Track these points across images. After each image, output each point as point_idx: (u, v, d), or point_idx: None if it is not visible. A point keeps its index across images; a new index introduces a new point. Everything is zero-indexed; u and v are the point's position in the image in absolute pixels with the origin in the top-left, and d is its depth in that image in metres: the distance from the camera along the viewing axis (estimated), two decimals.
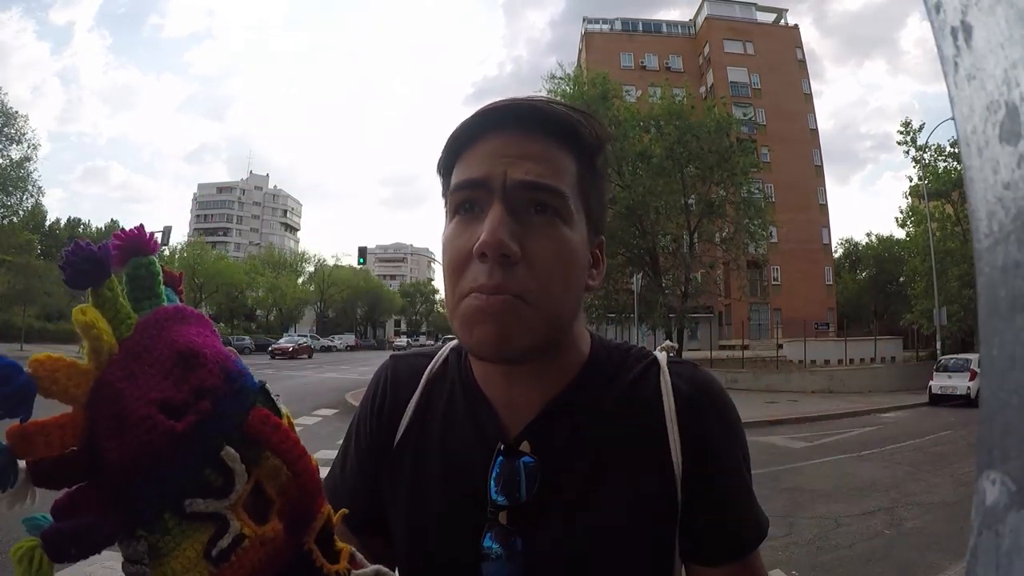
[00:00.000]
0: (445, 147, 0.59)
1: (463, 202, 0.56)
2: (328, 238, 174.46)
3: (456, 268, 0.55)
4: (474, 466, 0.59)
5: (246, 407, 0.41)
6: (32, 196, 25.59)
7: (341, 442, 0.73)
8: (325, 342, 44.69)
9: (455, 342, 0.69)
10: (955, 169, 22.31)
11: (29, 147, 24.23)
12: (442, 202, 0.63)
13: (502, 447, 0.58)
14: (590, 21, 41.99)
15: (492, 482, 0.57)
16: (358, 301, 63.08)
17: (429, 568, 0.60)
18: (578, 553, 0.56)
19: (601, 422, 0.59)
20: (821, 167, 37.37)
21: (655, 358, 0.64)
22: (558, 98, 0.63)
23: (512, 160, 0.55)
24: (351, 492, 0.66)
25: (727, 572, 0.59)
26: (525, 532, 0.56)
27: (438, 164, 0.61)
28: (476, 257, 0.53)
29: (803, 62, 38.94)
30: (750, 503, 0.61)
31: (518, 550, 0.56)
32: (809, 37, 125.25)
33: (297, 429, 0.52)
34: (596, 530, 0.57)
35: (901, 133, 23.78)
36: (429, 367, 0.68)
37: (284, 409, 0.45)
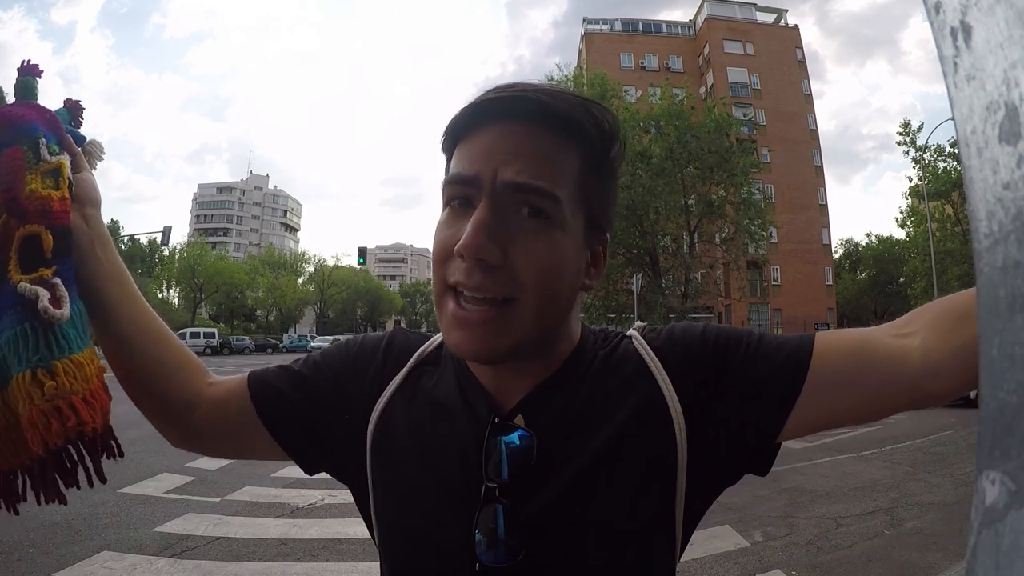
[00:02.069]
0: (447, 129, 0.58)
1: (454, 196, 0.55)
2: (328, 238, 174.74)
3: (440, 259, 0.55)
4: (466, 447, 0.58)
5: None
6: None
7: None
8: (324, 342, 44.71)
9: None
10: (955, 169, 22.34)
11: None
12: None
13: (496, 419, 0.57)
14: (590, 22, 42.00)
15: (484, 461, 0.56)
16: (358, 301, 63.07)
17: (422, 556, 0.58)
18: (576, 529, 0.55)
19: (590, 389, 0.59)
20: (821, 167, 37.39)
21: (629, 333, 0.64)
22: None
23: (505, 158, 0.53)
24: (278, 383, 0.66)
25: (804, 395, 0.55)
26: (516, 510, 0.55)
27: (442, 143, 0.60)
28: (457, 255, 0.53)
29: (803, 62, 38.95)
30: (775, 338, 0.59)
31: (500, 537, 0.54)
32: (811, 38, 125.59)
33: None
34: (596, 503, 0.55)
35: (901, 134, 23.83)
36: (421, 348, 0.66)
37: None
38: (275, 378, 0.67)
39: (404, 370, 0.65)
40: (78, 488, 0.60)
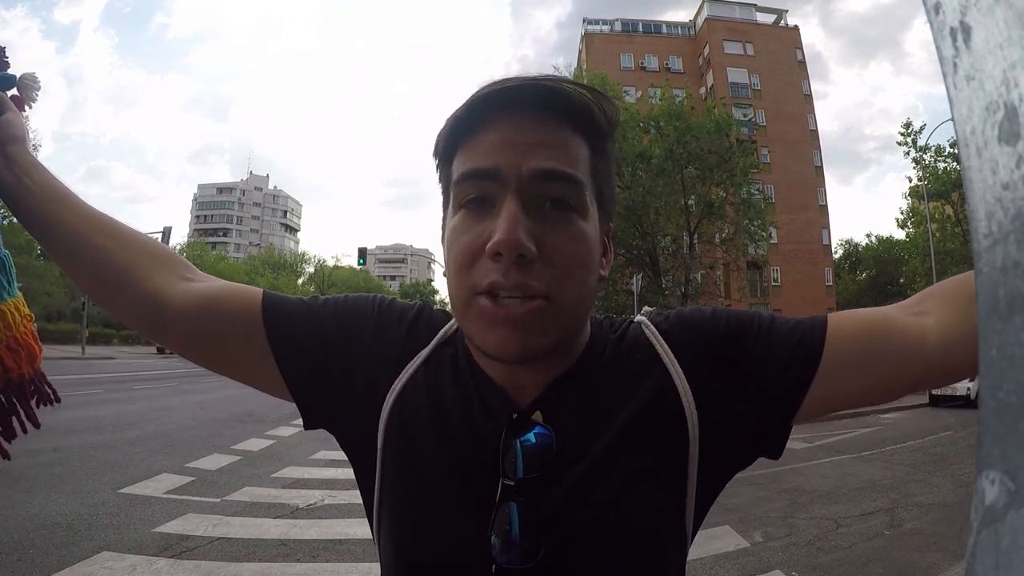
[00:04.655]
0: (446, 129, 0.55)
1: (471, 195, 0.53)
2: (328, 239, 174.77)
3: (464, 264, 0.52)
4: (483, 442, 0.56)
5: None
6: None
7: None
8: None
9: None
10: (955, 170, 22.36)
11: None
12: (440, 193, 0.60)
13: (515, 416, 0.55)
14: (590, 22, 41.96)
15: (501, 458, 0.54)
16: None
17: (436, 552, 0.56)
18: (592, 526, 0.53)
19: (603, 380, 0.58)
20: (821, 168, 37.36)
21: (637, 318, 0.63)
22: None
23: (527, 148, 0.51)
24: (294, 312, 0.63)
25: (820, 377, 0.54)
26: (532, 508, 0.53)
27: (435, 147, 0.57)
28: (489, 256, 0.50)
29: (803, 63, 38.93)
30: (786, 321, 0.58)
31: (515, 536, 0.52)
32: (815, 38, 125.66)
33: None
34: (611, 498, 0.54)
35: (902, 134, 23.86)
36: (444, 328, 0.64)
37: None
38: (294, 310, 0.64)
39: (430, 347, 0.62)
40: (25, 431, 0.60)
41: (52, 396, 0.62)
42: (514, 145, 0.51)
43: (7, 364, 0.58)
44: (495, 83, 0.53)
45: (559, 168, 0.51)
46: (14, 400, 0.59)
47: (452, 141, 0.55)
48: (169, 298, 0.63)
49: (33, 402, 0.62)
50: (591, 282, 0.54)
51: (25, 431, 0.61)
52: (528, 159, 0.51)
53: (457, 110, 0.54)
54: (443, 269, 0.60)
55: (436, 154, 0.58)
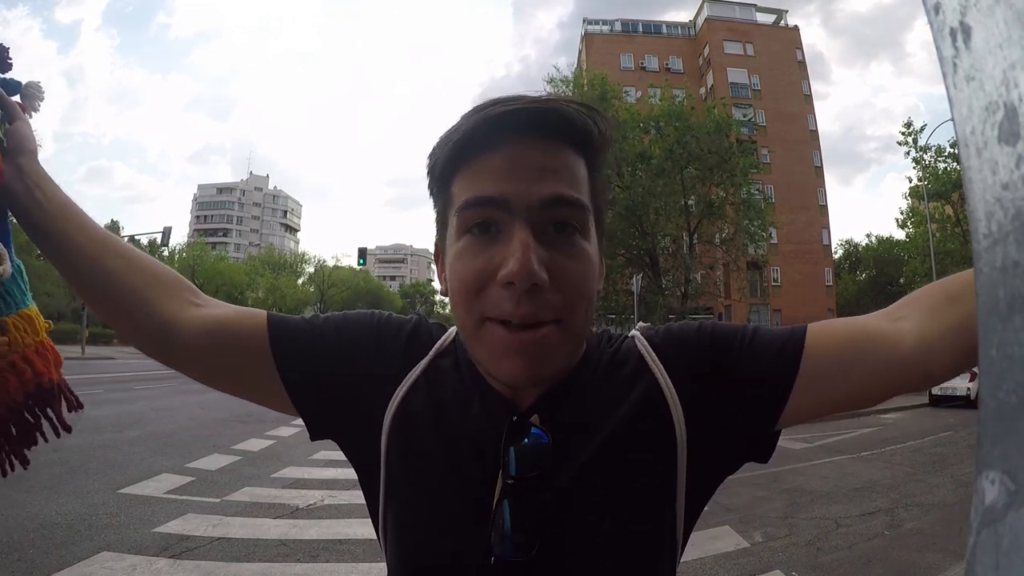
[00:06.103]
0: (444, 151, 0.54)
1: (477, 221, 0.53)
2: (328, 239, 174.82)
3: (472, 291, 0.52)
4: (483, 444, 0.58)
5: None
6: None
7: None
8: None
9: None
10: (955, 170, 22.38)
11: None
12: (432, 209, 0.61)
13: (515, 418, 0.57)
14: (590, 22, 41.95)
15: (502, 458, 0.56)
16: (358, 302, 62.95)
17: (439, 549, 0.58)
18: (584, 524, 0.55)
19: (598, 388, 0.60)
20: (821, 168, 37.36)
21: (631, 333, 0.66)
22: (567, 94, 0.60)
23: (534, 174, 0.51)
24: (299, 333, 0.64)
25: (800, 383, 0.56)
26: (525, 506, 0.55)
27: (432, 168, 0.57)
28: (500, 285, 0.50)
29: (803, 63, 38.93)
30: (769, 331, 0.60)
31: (507, 532, 0.54)
32: (816, 38, 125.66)
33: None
34: (602, 498, 0.56)
35: (903, 134, 23.86)
36: (441, 339, 0.66)
37: None
38: (296, 327, 0.65)
39: (428, 357, 0.64)
40: (45, 440, 0.61)
41: (76, 403, 0.62)
42: (521, 171, 0.51)
43: (38, 369, 0.57)
44: (492, 104, 0.53)
45: (568, 194, 0.52)
46: (46, 406, 0.59)
47: (451, 164, 0.54)
48: (179, 324, 0.64)
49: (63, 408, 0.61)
50: (595, 300, 0.57)
51: (58, 435, 0.60)
52: (536, 186, 0.51)
53: (454, 131, 0.53)
54: (441, 287, 0.61)
55: (432, 174, 0.57)
